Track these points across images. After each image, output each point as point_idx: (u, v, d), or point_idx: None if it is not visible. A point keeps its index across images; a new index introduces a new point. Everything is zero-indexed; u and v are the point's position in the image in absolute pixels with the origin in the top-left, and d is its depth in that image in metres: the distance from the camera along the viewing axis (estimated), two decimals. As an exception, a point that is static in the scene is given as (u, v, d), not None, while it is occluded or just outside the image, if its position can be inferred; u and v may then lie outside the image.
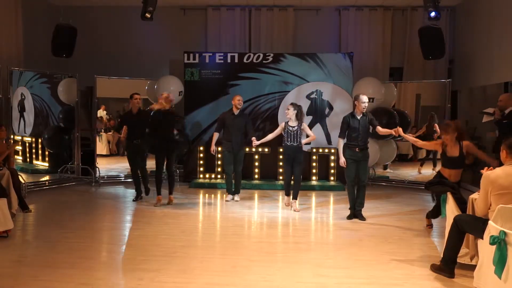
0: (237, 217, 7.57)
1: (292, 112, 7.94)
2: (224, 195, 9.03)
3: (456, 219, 4.82)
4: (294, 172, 8.02)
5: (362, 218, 7.39)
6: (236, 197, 8.78)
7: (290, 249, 5.86)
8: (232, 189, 8.82)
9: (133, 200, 8.64)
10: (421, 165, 11.25)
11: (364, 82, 10.44)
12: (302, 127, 7.97)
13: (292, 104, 8.09)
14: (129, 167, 8.86)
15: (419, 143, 6.87)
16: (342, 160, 7.38)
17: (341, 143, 7.47)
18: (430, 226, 6.95)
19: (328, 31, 12.01)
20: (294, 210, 7.97)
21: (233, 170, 8.72)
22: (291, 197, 8.09)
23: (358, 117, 7.35)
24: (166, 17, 11.74)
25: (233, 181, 8.81)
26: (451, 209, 5.21)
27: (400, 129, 7.05)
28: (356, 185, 7.45)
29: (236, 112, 8.61)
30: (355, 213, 7.44)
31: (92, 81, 10.62)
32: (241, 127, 8.57)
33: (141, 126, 8.45)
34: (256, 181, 10.20)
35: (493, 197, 4.38)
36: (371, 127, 7.51)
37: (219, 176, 10.40)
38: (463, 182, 9.80)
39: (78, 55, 10.84)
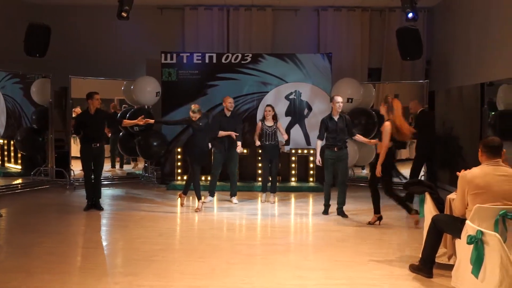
0: (216, 220, 7.56)
1: (272, 112, 8.60)
2: (202, 197, 8.95)
3: (434, 219, 4.89)
4: (272, 169, 8.67)
5: (344, 215, 7.66)
6: (234, 200, 8.73)
7: (269, 251, 5.88)
8: (214, 191, 8.81)
9: (84, 210, 7.99)
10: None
11: (343, 82, 10.53)
12: (277, 125, 8.65)
13: (270, 105, 8.79)
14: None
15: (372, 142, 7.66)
16: (318, 159, 7.81)
17: (319, 144, 7.81)
18: (378, 221, 7.18)
19: (306, 31, 12.08)
20: (272, 202, 8.68)
21: (231, 171, 8.73)
22: (270, 191, 8.79)
23: (336, 118, 7.66)
24: (142, 17, 11.67)
25: (220, 182, 8.86)
26: (429, 209, 5.29)
27: (373, 141, 7.73)
28: (338, 184, 7.73)
29: (228, 113, 8.66)
30: (337, 211, 7.72)
31: (66, 81, 10.50)
32: (234, 128, 8.61)
33: (100, 128, 8.11)
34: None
35: (470, 196, 4.45)
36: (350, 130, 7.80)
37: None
38: (441, 183, 10.04)
39: (52, 55, 10.68)
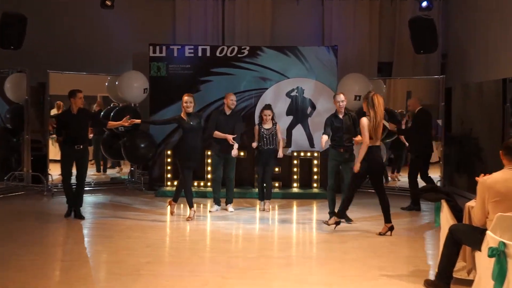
0: (209, 230, 7.55)
1: (271, 116, 8.69)
2: (209, 205, 8.91)
3: (451, 229, 4.87)
4: (266, 174, 8.71)
5: (349, 220, 7.76)
6: (230, 208, 8.71)
7: (269, 264, 5.85)
8: (219, 199, 8.74)
9: (65, 216, 8.05)
10: (397, 171, 11.36)
11: (350, 78, 10.53)
12: (276, 128, 8.70)
13: (268, 107, 8.81)
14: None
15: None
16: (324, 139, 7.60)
17: (324, 137, 7.65)
18: (390, 231, 7.15)
19: (310, 22, 12.07)
20: (267, 210, 8.69)
21: (227, 176, 8.70)
22: (265, 198, 8.81)
23: (341, 117, 7.74)
24: (129, 5, 11.66)
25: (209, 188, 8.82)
26: (445, 218, 5.27)
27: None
28: (344, 189, 7.73)
29: (228, 111, 8.64)
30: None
31: (44, 76, 10.47)
32: (233, 129, 8.55)
33: (83, 129, 8.14)
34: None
35: (491, 204, 4.44)
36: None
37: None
38: (458, 189, 10.03)
39: (28, 47, 10.66)
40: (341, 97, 7.77)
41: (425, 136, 9.01)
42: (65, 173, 8.10)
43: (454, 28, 11.75)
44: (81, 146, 7.99)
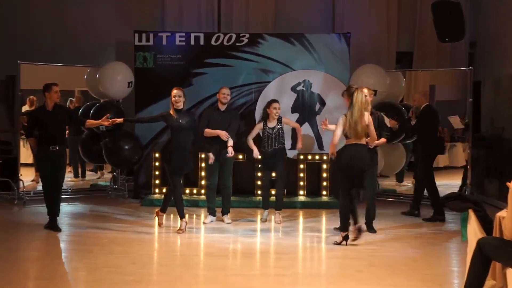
0: (204, 244, 7.56)
1: (280, 110, 8.73)
2: (203, 216, 8.94)
3: (479, 243, 4.89)
4: (277, 179, 8.74)
5: (372, 230, 8.01)
6: (226, 219, 8.71)
7: (272, 283, 5.87)
8: (215, 208, 8.74)
9: (45, 227, 8.11)
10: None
11: (364, 70, 10.55)
12: (283, 123, 8.69)
13: (277, 101, 8.81)
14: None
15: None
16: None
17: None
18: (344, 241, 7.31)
19: (319, 6, 12.11)
20: (277, 222, 8.62)
21: (223, 183, 8.70)
22: (275, 208, 8.76)
23: None
24: (111, -13, 11.73)
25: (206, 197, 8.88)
26: (473, 231, 5.29)
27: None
28: (366, 197, 8.13)
29: (222, 108, 8.66)
30: (366, 226, 7.89)
31: (15, 68, 10.49)
32: (227, 126, 8.55)
33: (60, 127, 8.21)
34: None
35: (525, 215, 4.46)
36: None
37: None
38: (488, 197, 10.05)
39: (-4, 36, 10.74)
40: (364, 92, 7.69)
41: (430, 136, 9.17)
42: (44, 178, 8.15)
43: (484, 13, 11.76)
44: (57, 147, 8.02)
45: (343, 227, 7.31)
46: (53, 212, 8.12)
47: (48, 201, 8.16)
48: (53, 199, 8.14)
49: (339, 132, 7.25)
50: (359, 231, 7.25)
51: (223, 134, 8.37)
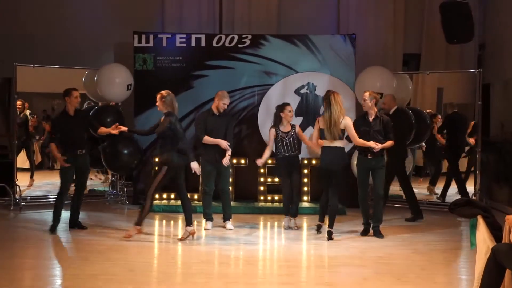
0: (204, 251, 7.54)
1: (293, 113, 8.84)
2: (203, 222, 8.80)
3: (494, 250, 4.85)
4: (293, 186, 8.75)
5: (379, 235, 8.16)
6: (229, 225, 8.71)
7: (274, 291, 5.85)
8: (211, 214, 8.73)
9: (51, 231, 8.34)
10: (433, 184, 11.38)
11: (370, 72, 10.51)
12: (297, 131, 8.75)
13: (289, 104, 8.86)
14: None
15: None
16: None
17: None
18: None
19: (323, 6, 12.09)
20: (294, 228, 8.74)
21: (222, 188, 8.72)
22: (291, 215, 8.83)
23: (370, 119, 8.09)
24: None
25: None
26: (482, 238, 5.25)
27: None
28: (373, 199, 8.36)
29: (217, 111, 8.65)
30: (373, 231, 8.26)
31: (10, 70, 10.49)
32: (225, 132, 8.59)
33: (82, 131, 8.52)
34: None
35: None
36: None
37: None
38: (498, 203, 10.02)
39: (-9, 37, 10.75)
40: (366, 95, 8.14)
41: (400, 142, 8.99)
42: (65, 183, 8.42)
43: (494, 14, 11.74)
44: (83, 151, 8.39)
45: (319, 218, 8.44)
46: (76, 214, 8.56)
47: (60, 206, 8.40)
48: (79, 201, 8.58)
49: (316, 134, 8.11)
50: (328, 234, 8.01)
51: (223, 144, 8.37)
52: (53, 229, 8.35)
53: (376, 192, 8.26)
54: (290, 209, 8.80)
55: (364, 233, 8.28)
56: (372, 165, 8.14)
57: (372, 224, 8.25)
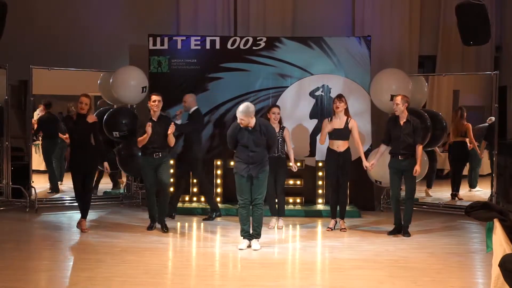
0: (219, 253, 7.56)
1: (279, 116, 8.93)
2: (241, 242, 7.84)
3: (502, 263, 4.81)
4: (276, 187, 8.89)
5: (407, 234, 8.43)
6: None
7: (289, 294, 5.86)
8: (249, 231, 7.83)
9: (148, 229, 8.77)
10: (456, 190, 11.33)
11: (386, 74, 10.47)
12: (284, 134, 8.93)
13: (277, 106, 9.16)
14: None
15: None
16: (365, 163, 8.70)
17: (381, 147, 8.78)
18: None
19: (338, 8, 12.08)
20: (279, 228, 8.97)
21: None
22: (277, 214, 9.06)
23: (401, 123, 8.39)
24: (125, -10, 11.80)
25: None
26: (498, 241, 5.21)
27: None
28: (404, 200, 8.64)
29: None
30: (402, 230, 8.55)
31: (27, 73, 10.55)
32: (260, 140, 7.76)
33: (163, 136, 8.72)
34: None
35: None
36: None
37: (194, 198, 10.37)
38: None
39: (8, 40, 10.78)
40: (398, 99, 8.43)
41: None
42: (149, 183, 8.75)
43: (510, 16, 11.68)
44: (160, 154, 8.63)
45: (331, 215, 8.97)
46: (163, 213, 8.77)
47: (152, 204, 8.78)
48: (164, 199, 8.85)
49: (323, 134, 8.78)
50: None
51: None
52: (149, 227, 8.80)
53: (407, 193, 8.53)
54: (274, 210, 9.02)
55: (394, 232, 8.53)
56: (402, 166, 8.38)
57: (402, 224, 8.50)
